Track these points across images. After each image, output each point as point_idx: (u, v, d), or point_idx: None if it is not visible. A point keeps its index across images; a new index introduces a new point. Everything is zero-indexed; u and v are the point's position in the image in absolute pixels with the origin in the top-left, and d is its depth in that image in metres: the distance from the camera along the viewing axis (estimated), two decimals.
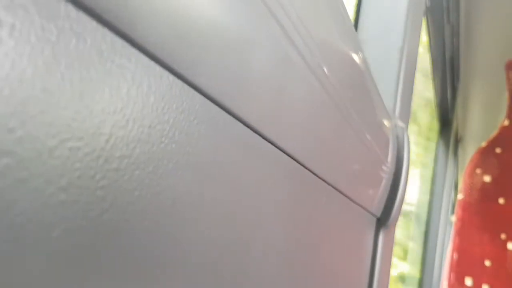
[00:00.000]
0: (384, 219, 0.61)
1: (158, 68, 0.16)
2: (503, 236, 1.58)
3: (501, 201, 1.60)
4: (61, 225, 0.12)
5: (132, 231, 0.15)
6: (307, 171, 0.32)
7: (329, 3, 0.32)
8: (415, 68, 0.72)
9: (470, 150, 2.80)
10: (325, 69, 0.30)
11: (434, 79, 1.83)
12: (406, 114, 0.68)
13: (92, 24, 0.13)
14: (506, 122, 1.66)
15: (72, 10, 0.12)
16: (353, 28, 0.39)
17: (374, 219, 0.60)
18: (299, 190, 0.31)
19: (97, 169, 0.13)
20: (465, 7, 1.50)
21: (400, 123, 0.63)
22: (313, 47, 0.28)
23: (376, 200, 0.55)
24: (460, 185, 1.71)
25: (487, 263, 1.58)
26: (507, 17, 1.51)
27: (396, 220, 0.62)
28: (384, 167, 0.54)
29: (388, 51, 0.63)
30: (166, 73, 0.16)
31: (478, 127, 2.56)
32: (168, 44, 0.16)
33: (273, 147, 0.26)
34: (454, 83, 2.01)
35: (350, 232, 0.48)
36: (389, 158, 0.56)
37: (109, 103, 0.14)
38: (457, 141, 2.72)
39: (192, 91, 0.18)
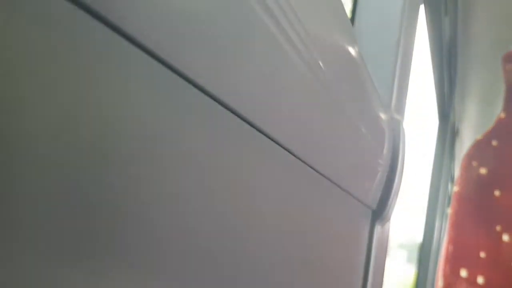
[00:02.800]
0: (379, 212, 0.61)
1: (153, 63, 0.16)
2: (498, 228, 1.59)
3: (496, 193, 1.61)
4: (57, 217, 0.13)
5: (129, 224, 0.15)
6: (302, 163, 0.32)
7: None
8: (411, 61, 0.72)
9: (467, 142, 2.81)
10: (320, 63, 0.31)
11: (432, 72, 1.83)
12: (402, 107, 0.68)
13: (87, 19, 0.13)
14: (503, 115, 1.66)
15: (68, 7, 0.12)
16: (348, 20, 0.39)
17: (370, 212, 0.60)
18: (294, 183, 0.31)
19: (94, 162, 0.14)
20: None
21: (396, 116, 0.63)
22: (308, 40, 0.28)
23: (371, 192, 0.55)
24: (456, 178, 1.72)
25: (482, 254, 1.60)
26: (505, 10, 1.51)
27: (391, 212, 0.63)
28: (379, 160, 0.55)
29: (384, 43, 0.64)
30: (161, 67, 0.16)
31: (475, 120, 2.56)
32: (163, 38, 0.16)
33: (268, 139, 0.26)
34: (452, 76, 2.01)
35: (345, 224, 0.48)
36: (385, 151, 0.57)
37: (105, 97, 0.14)
38: (454, 134, 2.72)
39: (188, 85, 0.18)
